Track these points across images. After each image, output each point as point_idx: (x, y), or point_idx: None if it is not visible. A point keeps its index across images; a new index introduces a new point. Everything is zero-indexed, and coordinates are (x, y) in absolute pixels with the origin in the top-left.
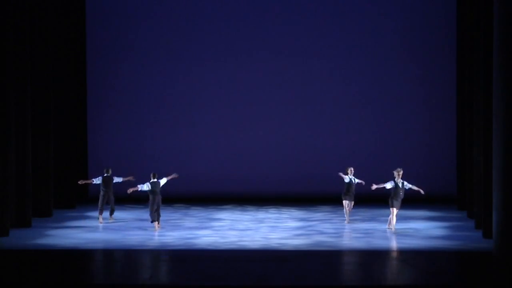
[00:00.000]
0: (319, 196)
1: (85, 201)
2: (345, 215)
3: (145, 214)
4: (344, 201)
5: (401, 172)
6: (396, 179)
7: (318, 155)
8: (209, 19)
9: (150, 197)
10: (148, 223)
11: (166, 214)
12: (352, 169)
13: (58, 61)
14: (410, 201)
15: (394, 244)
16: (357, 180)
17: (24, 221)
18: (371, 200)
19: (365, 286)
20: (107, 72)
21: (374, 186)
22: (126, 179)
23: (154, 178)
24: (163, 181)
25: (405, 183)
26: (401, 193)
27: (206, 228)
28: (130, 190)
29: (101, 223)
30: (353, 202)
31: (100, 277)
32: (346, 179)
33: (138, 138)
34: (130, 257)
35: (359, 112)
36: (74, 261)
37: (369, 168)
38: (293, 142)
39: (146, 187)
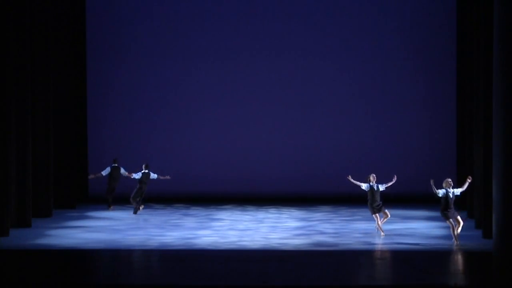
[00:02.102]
0: (319, 196)
1: (85, 201)
2: (379, 229)
3: (145, 214)
4: (373, 215)
5: (449, 181)
6: (446, 188)
7: (318, 155)
8: (209, 19)
9: (138, 185)
10: (149, 223)
11: (166, 214)
12: (374, 175)
13: (58, 61)
14: (410, 201)
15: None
16: (383, 187)
17: (24, 221)
18: None
19: (365, 286)
20: (107, 72)
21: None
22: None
23: (146, 169)
24: (153, 175)
25: (455, 190)
26: (451, 203)
27: (206, 228)
28: (125, 174)
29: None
30: (386, 211)
31: (100, 277)
32: (364, 186)
33: (138, 138)
34: (130, 257)
35: (359, 112)
36: (74, 261)
37: (369, 168)
38: (293, 142)
39: (137, 176)
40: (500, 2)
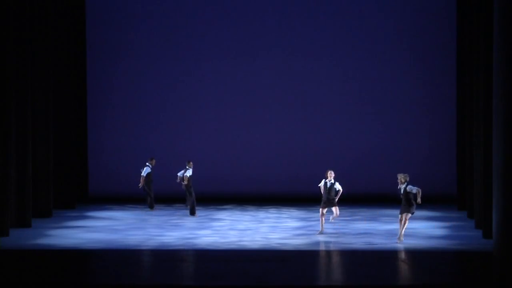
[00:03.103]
0: (319, 196)
1: (85, 201)
2: (321, 225)
3: (144, 214)
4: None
5: (407, 178)
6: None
7: (318, 155)
8: (209, 19)
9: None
10: (149, 223)
11: (166, 214)
12: (332, 172)
13: (58, 61)
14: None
15: (395, 244)
16: (338, 187)
17: (24, 221)
18: (372, 200)
19: (365, 286)
20: (107, 72)
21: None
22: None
23: (188, 166)
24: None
25: (409, 187)
26: (403, 198)
27: (206, 228)
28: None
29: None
30: (336, 208)
31: (100, 277)
32: (322, 183)
33: (138, 138)
34: (130, 257)
35: (359, 112)
36: (74, 261)
37: (369, 168)
38: (293, 142)
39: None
40: (500, 2)
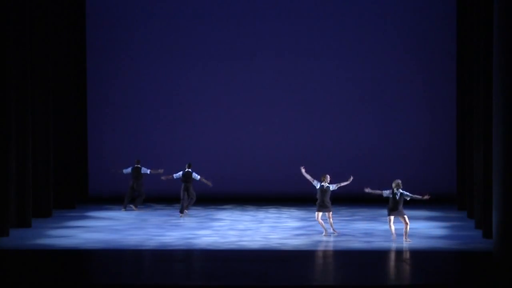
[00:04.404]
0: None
1: (85, 201)
2: (322, 226)
3: (145, 214)
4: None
5: (398, 182)
6: (393, 188)
7: (319, 155)
8: (209, 19)
9: (182, 185)
10: (149, 223)
11: (166, 214)
12: (328, 176)
13: (58, 61)
14: (410, 201)
15: (394, 244)
16: (334, 187)
17: (24, 221)
18: (372, 200)
19: (365, 286)
20: (107, 72)
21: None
22: (154, 171)
23: (188, 168)
24: (196, 176)
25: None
26: (397, 203)
27: (206, 228)
28: (163, 178)
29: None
30: (330, 212)
31: (100, 277)
32: (316, 184)
33: (138, 138)
34: (130, 257)
35: (359, 112)
36: (74, 261)
37: (369, 168)
38: (293, 142)
39: (179, 175)
40: (500, 2)
